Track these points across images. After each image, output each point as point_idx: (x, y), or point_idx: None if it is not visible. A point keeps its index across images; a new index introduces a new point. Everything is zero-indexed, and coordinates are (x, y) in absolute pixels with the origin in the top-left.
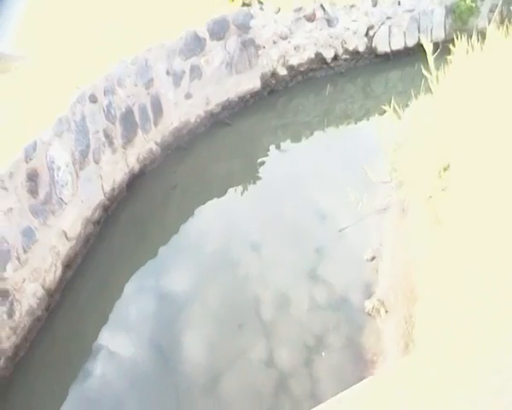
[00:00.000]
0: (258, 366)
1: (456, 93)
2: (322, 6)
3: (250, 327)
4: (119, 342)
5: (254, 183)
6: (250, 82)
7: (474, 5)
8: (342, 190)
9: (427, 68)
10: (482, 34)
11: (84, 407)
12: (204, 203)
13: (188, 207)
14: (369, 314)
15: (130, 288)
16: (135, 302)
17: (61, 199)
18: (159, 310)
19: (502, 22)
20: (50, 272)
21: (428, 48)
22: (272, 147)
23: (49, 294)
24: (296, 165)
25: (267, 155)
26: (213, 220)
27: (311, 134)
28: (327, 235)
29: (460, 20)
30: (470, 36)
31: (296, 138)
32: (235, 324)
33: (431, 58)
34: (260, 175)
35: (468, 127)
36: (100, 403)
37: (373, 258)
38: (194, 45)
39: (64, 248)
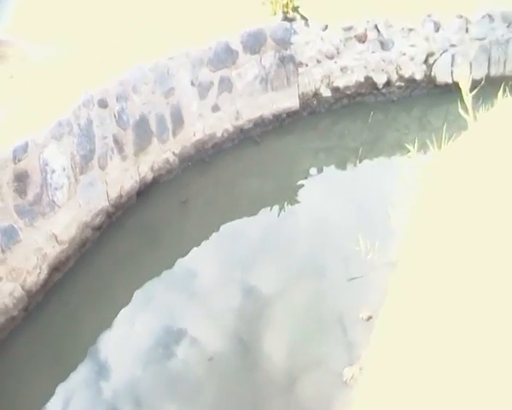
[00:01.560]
0: None
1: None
2: (376, 26)
3: None
4: (113, 347)
5: (287, 205)
6: (287, 100)
7: None
8: (369, 233)
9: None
10: None
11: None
12: (229, 219)
13: (210, 221)
14: (347, 384)
15: (137, 295)
16: (140, 309)
17: (54, 202)
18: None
19: None
20: (33, 274)
21: (464, 85)
22: (313, 170)
23: (30, 295)
24: (335, 192)
25: (306, 178)
26: (236, 237)
27: (360, 161)
28: (331, 284)
29: None
30: None
31: (341, 164)
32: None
33: (467, 96)
34: (297, 198)
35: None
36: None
37: (369, 318)
38: (226, 57)
39: (53, 251)
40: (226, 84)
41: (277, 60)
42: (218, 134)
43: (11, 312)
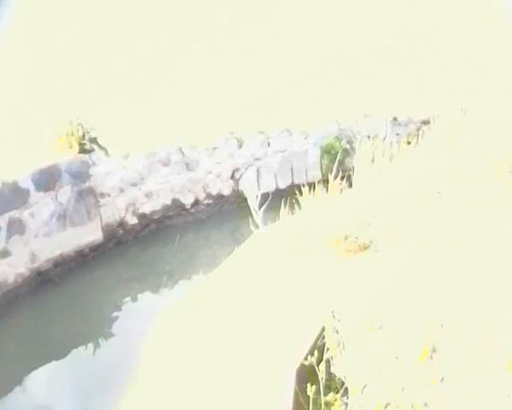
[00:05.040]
0: None
1: None
2: (180, 149)
3: None
4: None
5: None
6: (89, 234)
7: (348, 147)
8: None
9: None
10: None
11: None
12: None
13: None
14: None
15: None
16: None
17: None
18: None
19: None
20: None
21: (253, 202)
22: (127, 299)
23: None
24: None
25: (119, 309)
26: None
27: (176, 283)
28: None
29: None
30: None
31: (155, 289)
32: None
33: (256, 212)
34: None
35: None
36: None
37: None
38: (14, 197)
39: None
40: (17, 227)
41: (75, 194)
42: (10, 280)
43: None
